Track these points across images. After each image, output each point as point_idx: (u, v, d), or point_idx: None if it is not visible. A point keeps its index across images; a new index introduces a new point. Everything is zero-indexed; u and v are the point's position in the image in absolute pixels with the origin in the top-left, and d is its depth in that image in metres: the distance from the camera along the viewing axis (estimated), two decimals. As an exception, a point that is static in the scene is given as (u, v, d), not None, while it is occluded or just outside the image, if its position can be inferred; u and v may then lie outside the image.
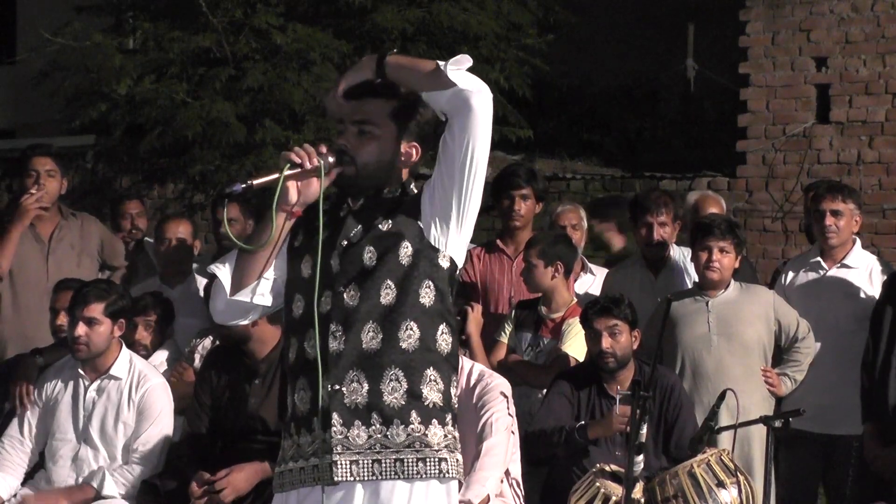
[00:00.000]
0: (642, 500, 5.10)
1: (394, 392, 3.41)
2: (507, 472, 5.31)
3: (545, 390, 5.96)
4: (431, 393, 3.44)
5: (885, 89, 10.35)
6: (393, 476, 3.40)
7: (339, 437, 3.40)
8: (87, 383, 5.70)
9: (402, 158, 3.53)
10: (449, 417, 3.47)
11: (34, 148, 6.95)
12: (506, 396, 5.34)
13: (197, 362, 6.11)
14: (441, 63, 3.33)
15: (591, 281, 6.86)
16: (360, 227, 3.50)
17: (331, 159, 3.44)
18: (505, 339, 6.33)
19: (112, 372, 5.67)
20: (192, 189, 10.25)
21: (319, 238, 3.46)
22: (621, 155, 13.07)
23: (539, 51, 10.65)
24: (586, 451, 5.61)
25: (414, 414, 3.41)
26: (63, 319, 5.97)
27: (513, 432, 5.35)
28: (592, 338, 5.78)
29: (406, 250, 3.45)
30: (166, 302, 6.44)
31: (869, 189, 10.20)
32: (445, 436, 3.45)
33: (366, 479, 3.40)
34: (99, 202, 9.85)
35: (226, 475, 5.30)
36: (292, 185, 3.43)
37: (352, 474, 3.40)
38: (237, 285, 3.51)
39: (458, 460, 3.49)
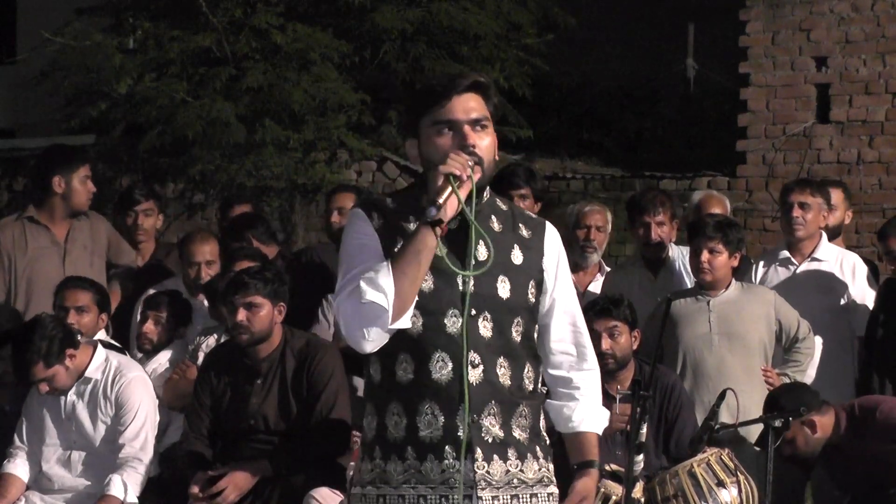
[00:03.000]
0: (642, 500, 5.10)
1: (521, 428, 3.42)
2: (507, 472, 5.30)
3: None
4: (543, 431, 3.50)
5: (885, 89, 10.33)
6: None
7: (482, 471, 3.35)
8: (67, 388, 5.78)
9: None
10: (550, 454, 3.55)
11: (78, 150, 6.88)
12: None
13: (201, 360, 6.10)
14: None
15: None
16: (485, 246, 3.36)
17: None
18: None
19: (87, 374, 5.75)
20: (192, 189, 10.26)
21: (472, 252, 3.34)
22: (621, 155, 13.03)
23: (539, 51, 10.67)
24: (586, 450, 5.60)
25: (538, 450, 3.46)
26: (74, 317, 6.02)
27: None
28: (592, 339, 5.76)
29: (532, 289, 3.44)
30: (183, 303, 6.42)
31: (869, 189, 10.19)
32: (550, 470, 3.52)
33: None
34: (98, 202, 9.84)
35: (226, 475, 5.30)
36: (454, 199, 3.27)
37: None
38: (399, 311, 3.26)
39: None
